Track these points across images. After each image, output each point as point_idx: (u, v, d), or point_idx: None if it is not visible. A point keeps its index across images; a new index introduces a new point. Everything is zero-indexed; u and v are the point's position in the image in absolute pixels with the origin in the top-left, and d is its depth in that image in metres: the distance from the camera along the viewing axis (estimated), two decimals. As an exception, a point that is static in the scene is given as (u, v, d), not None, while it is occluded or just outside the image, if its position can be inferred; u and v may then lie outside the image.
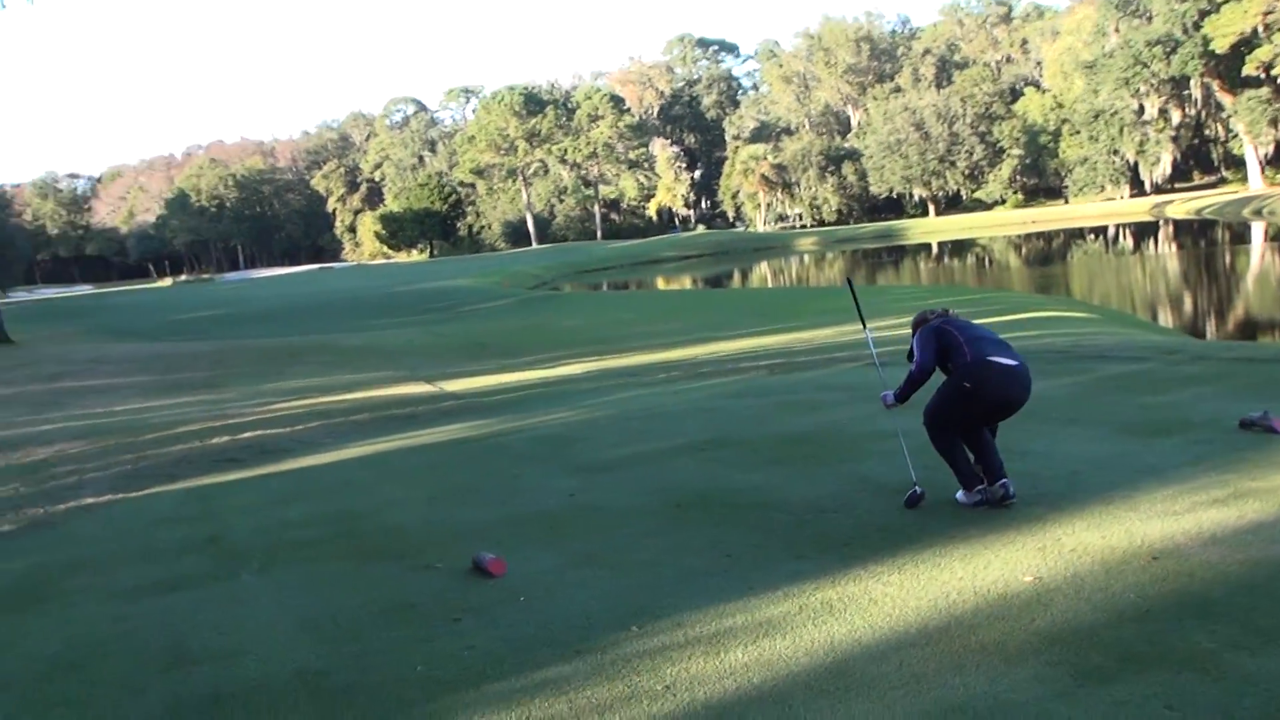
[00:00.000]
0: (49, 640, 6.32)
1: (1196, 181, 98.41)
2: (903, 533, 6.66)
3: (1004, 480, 6.89)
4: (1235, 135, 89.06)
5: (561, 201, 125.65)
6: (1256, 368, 11.00)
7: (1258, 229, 57.68)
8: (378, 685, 5.16)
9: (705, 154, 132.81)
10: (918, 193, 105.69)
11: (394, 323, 37.05)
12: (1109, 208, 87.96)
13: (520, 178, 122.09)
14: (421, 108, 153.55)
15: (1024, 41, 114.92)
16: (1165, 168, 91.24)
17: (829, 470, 8.39)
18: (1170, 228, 66.35)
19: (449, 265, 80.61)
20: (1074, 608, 5.26)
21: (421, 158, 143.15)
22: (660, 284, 61.32)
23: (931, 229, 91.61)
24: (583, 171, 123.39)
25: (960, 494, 7.06)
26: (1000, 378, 6.84)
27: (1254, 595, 5.17)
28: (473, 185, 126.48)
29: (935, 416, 7.04)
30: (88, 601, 7.00)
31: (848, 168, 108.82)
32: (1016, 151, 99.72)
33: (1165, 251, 52.04)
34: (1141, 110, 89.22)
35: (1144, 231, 65.82)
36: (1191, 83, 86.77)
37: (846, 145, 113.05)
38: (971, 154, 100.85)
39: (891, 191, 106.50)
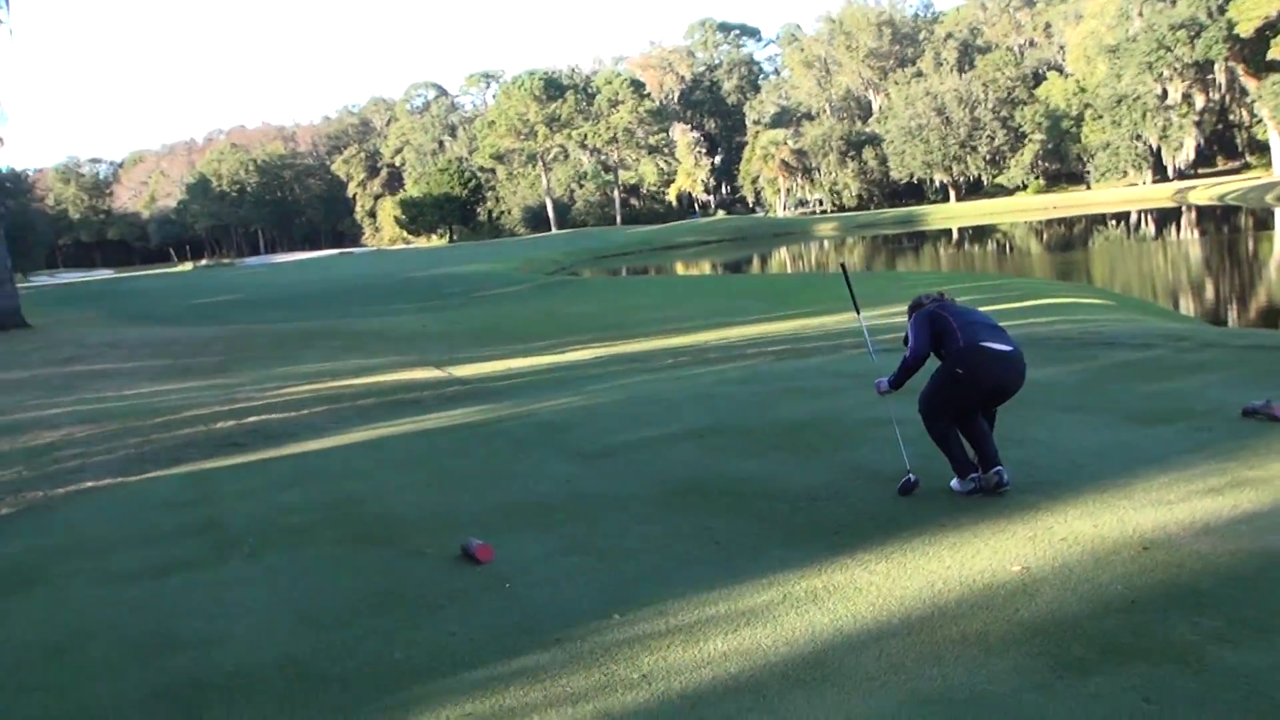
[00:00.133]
0: (35, 624, 6.33)
1: (1220, 167, 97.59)
2: (894, 521, 6.61)
3: (998, 468, 6.81)
4: (1259, 120, 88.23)
5: (581, 187, 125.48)
6: (1265, 355, 10.87)
7: (1281, 215, 57.16)
8: (355, 673, 5.14)
9: (726, 139, 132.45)
10: (939, 178, 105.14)
11: (410, 308, 37.06)
12: (1131, 193, 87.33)
13: (540, 163, 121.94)
14: (442, 93, 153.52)
15: (1047, 25, 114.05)
16: (1188, 153, 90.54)
17: (825, 458, 8.33)
18: (1193, 214, 65.80)
19: (468, 250, 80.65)
20: (1060, 598, 5.20)
21: (442, 143, 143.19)
22: (679, 269, 61.19)
23: (952, 214, 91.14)
24: (603, 157, 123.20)
25: (955, 482, 7.00)
26: (993, 363, 6.76)
27: (1242, 587, 5.10)
28: (493, 170, 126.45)
29: (929, 403, 6.97)
30: (78, 586, 7.00)
31: (868, 153, 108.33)
32: (1038, 136, 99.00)
33: (1187, 238, 51.62)
34: (1165, 95, 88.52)
35: (1166, 217, 65.31)
36: (1215, 67, 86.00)
37: (867, 130, 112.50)
38: (993, 139, 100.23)
39: (912, 177, 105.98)
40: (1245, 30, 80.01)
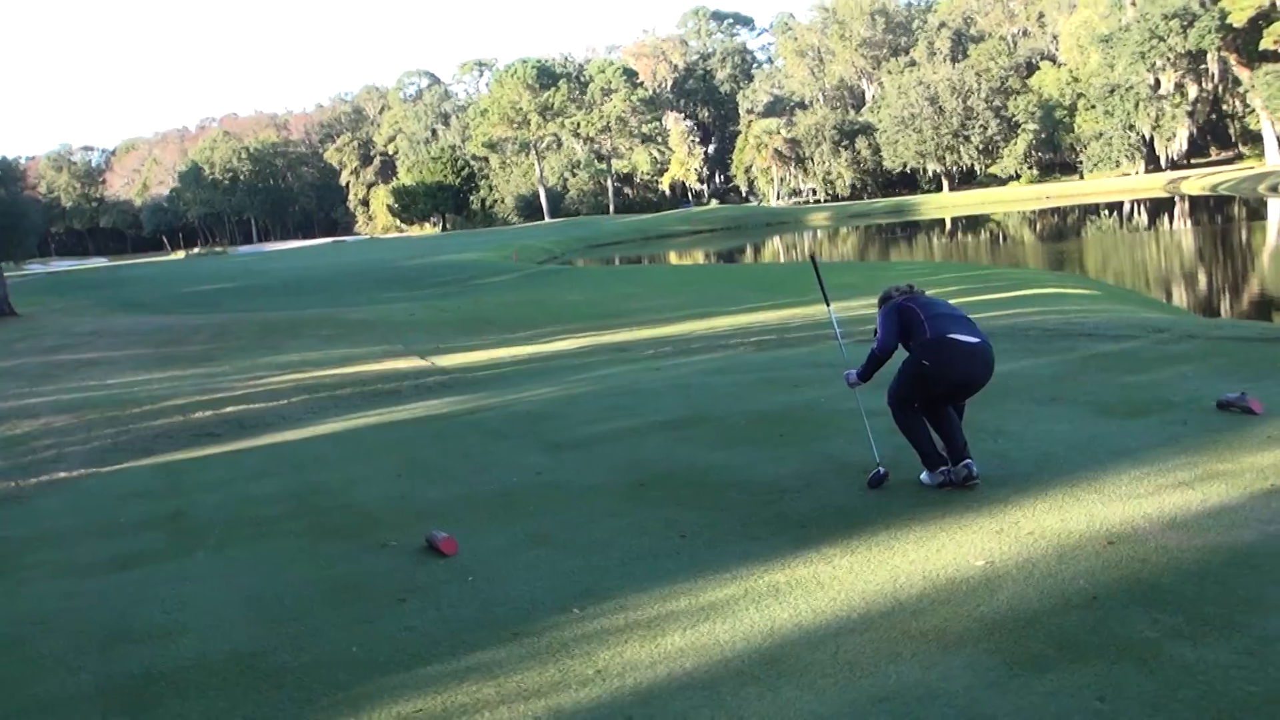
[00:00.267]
0: (-7, 616, 6.27)
1: (1213, 157, 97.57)
2: (861, 514, 6.56)
3: (967, 461, 6.76)
4: (1252, 110, 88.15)
5: (574, 175, 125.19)
6: (1244, 346, 10.83)
7: (1274, 205, 57.13)
8: (310, 667, 5.09)
9: (719, 128, 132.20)
10: (931, 168, 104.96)
11: (400, 296, 36.95)
12: (1124, 183, 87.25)
13: (533, 151, 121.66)
14: (435, 80, 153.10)
15: (1040, 15, 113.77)
16: (1181, 143, 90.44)
17: (797, 449, 8.28)
18: (1185, 204, 65.77)
19: (460, 239, 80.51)
20: (1021, 593, 5.15)
21: (435, 131, 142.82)
22: (672, 259, 61.08)
23: (945, 204, 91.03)
24: (596, 145, 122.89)
25: (924, 474, 6.95)
26: (960, 356, 6.70)
27: (1204, 583, 5.05)
28: (485, 159, 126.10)
29: (897, 395, 6.92)
30: (40, 577, 6.95)
31: (861, 142, 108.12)
32: (1031, 126, 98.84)
33: (1179, 228, 51.59)
34: (1158, 85, 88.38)
35: (1159, 207, 65.27)
36: (1209, 57, 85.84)
37: (860, 120, 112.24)
38: (986, 129, 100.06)
39: (905, 166, 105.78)
40: (1238, 20, 79.92)
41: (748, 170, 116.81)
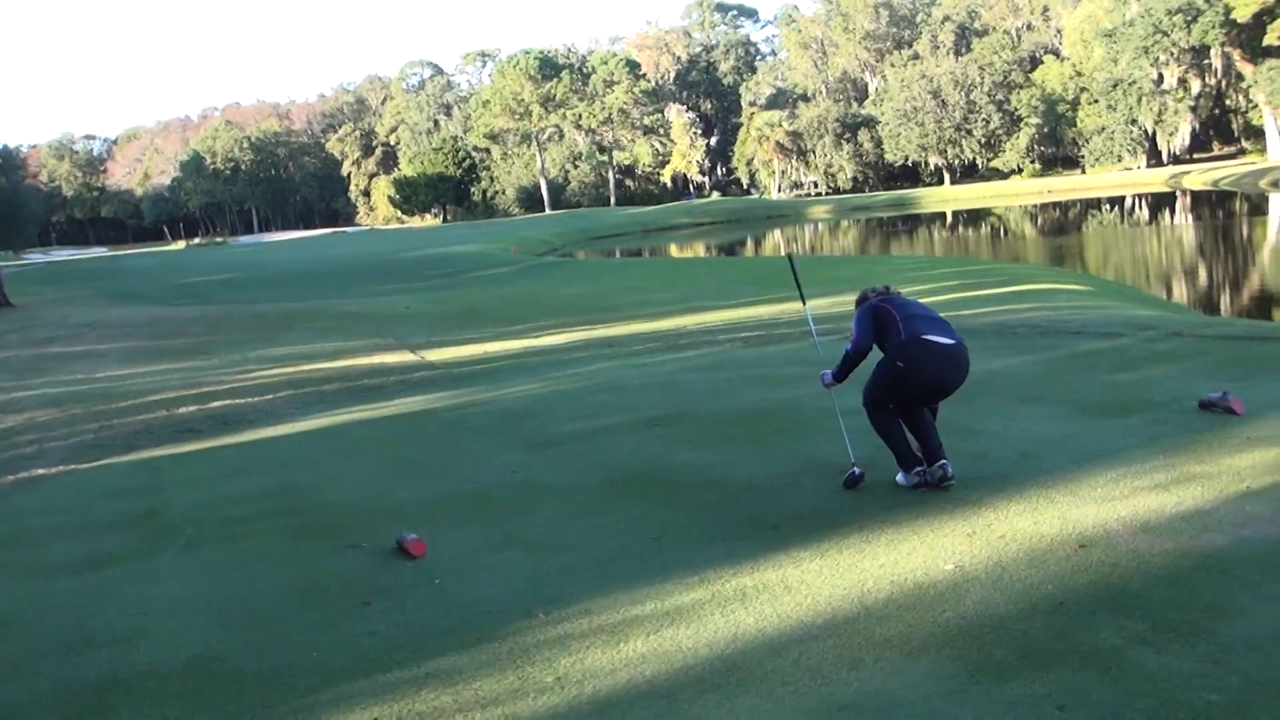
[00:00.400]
0: (-44, 619, 6.21)
1: (1216, 152, 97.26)
2: (834, 515, 6.50)
3: (943, 461, 6.70)
4: (1255, 105, 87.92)
5: (576, 167, 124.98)
6: (1230, 345, 10.76)
7: (1276, 200, 56.99)
8: (269, 673, 5.03)
9: (721, 120, 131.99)
10: (933, 161, 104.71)
11: (397, 288, 36.89)
12: (1126, 178, 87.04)
13: (535, 143, 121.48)
14: (438, 71, 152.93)
15: (1045, 9, 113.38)
16: (1183, 138, 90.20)
17: (775, 449, 8.22)
18: (1187, 199, 65.61)
19: (461, 230, 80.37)
20: (989, 598, 5.09)
21: (437, 122, 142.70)
22: (673, 251, 60.98)
23: (947, 198, 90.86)
24: (598, 137, 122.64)
25: (900, 475, 6.90)
26: (934, 357, 6.65)
27: (1173, 588, 4.99)
28: (487, 150, 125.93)
29: (872, 396, 6.86)
30: (7, 578, 6.89)
31: (864, 135, 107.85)
32: (1034, 120, 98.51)
33: (1181, 223, 51.48)
34: (1160, 79, 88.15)
35: (1160, 202, 65.12)
36: (1212, 52, 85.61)
37: (863, 112, 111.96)
38: (988, 122, 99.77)
39: (907, 160, 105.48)
40: (1242, 15, 79.65)
41: (749, 163, 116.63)
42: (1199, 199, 64.66)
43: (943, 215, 73.09)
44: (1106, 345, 11.35)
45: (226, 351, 20.09)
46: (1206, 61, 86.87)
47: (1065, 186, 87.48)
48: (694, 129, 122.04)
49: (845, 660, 4.61)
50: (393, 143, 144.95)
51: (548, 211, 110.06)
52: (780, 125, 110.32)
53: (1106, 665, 4.33)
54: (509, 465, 8.52)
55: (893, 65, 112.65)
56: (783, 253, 55.80)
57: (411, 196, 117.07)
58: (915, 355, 6.62)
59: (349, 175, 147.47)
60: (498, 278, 39.91)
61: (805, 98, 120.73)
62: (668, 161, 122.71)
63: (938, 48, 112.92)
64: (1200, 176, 77.24)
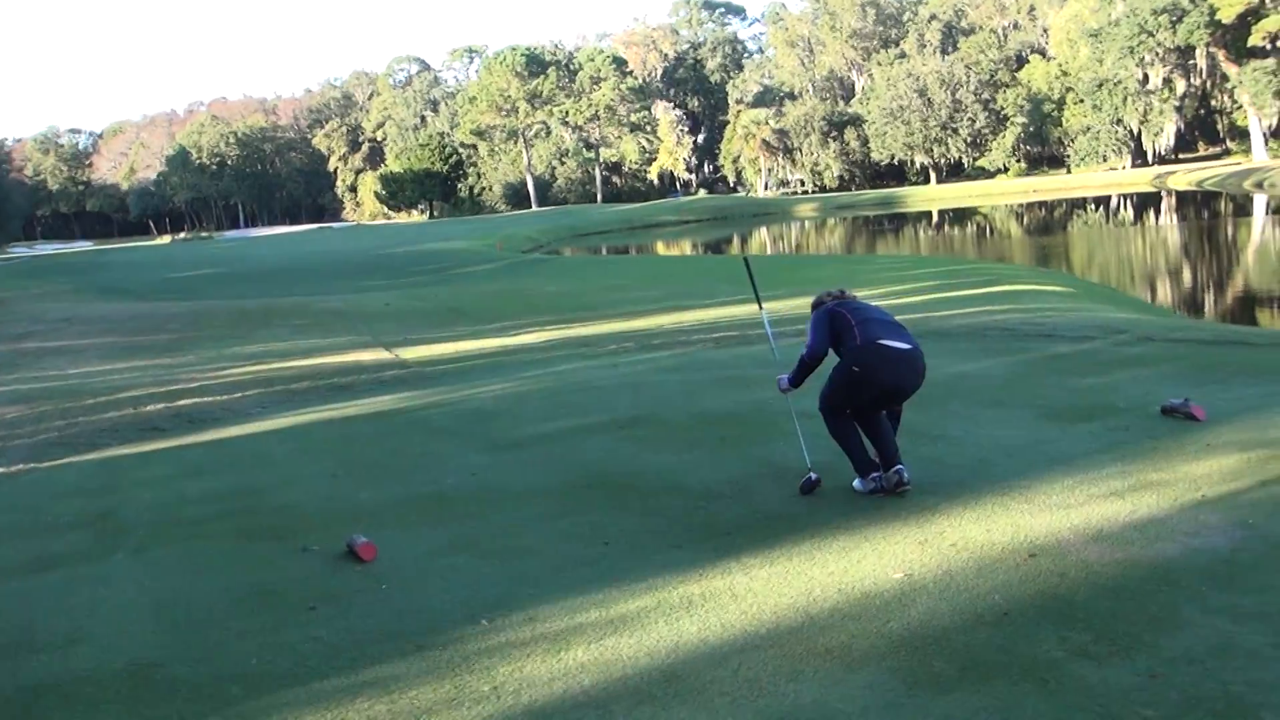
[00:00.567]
0: (-103, 624, 6.13)
1: (1201, 152, 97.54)
2: (788, 521, 6.46)
3: (899, 467, 6.67)
4: (1240, 106, 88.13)
5: (563, 164, 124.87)
6: (1199, 350, 10.75)
7: (1259, 201, 57.13)
8: (206, 680, 4.96)
9: (709, 118, 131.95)
10: (919, 160, 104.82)
11: (380, 284, 36.79)
12: (1111, 178, 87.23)
13: (521, 139, 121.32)
14: (425, 67, 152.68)
15: (1031, 8, 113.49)
16: (1168, 138, 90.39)
17: (737, 453, 8.18)
18: (1172, 199, 65.74)
19: (447, 226, 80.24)
20: (934, 608, 5.05)
21: (424, 118, 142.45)
22: (660, 249, 60.92)
23: (933, 197, 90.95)
24: (584, 134, 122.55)
25: (857, 481, 6.86)
26: (890, 361, 6.61)
27: (1119, 599, 4.96)
28: (474, 146, 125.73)
29: (827, 401, 6.83)
30: (-45, 581, 6.81)
31: (850, 134, 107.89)
32: (1020, 120, 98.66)
33: (1165, 223, 51.57)
34: (1146, 79, 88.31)
35: (1145, 202, 65.25)
36: (1197, 52, 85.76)
37: (850, 111, 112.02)
38: (974, 122, 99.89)
39: (893, 158, 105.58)
40: (1227, 16, 79.83)
41: (736, 160, 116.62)
42: (1184, 199, 64.80)
43: (928, 214, 73.17)
44: (1077, 349, 11.33)
45: (203, 348, 19.99)
46: (1191, 62, 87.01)
47: (1051, 186, 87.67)
48: (681, 126, 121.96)
49: (785, 671, 4.56)
50: (379, 138, 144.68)
51: (534, 208, 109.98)
52: (767, 123, 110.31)
53: (1046, 678, 4.30)
54: (471, 467, 8.46)
55: (879, 64, 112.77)
56: (771, 251, 55.79)
57: (398, 192, 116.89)
58: (871, 360, 6.59)
59: (335, 171, 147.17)
60: (480, 275, 39.85)
61: (792, 96, 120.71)
62: (654, 159, 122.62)
63: (924, 46, 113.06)
64: (1185, 177, 77.42)
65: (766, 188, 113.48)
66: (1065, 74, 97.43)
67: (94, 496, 8.66)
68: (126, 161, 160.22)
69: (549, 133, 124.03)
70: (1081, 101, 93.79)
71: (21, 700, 4.92)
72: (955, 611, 4.99)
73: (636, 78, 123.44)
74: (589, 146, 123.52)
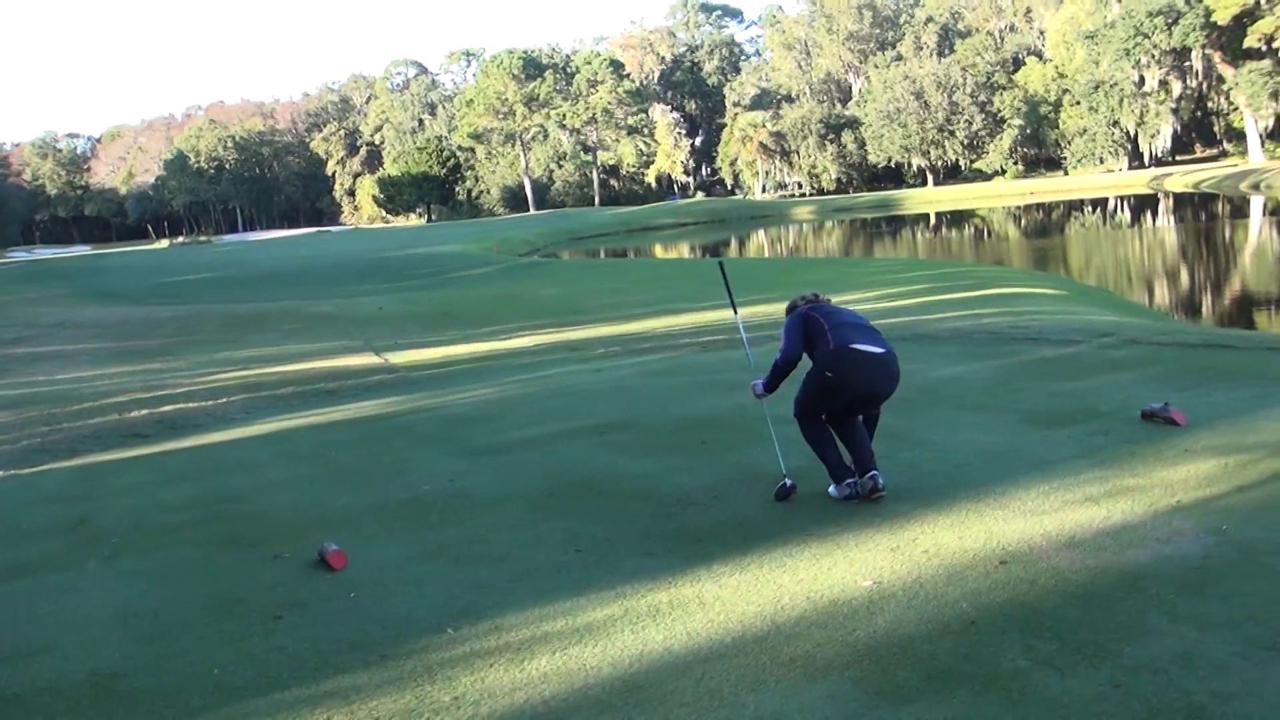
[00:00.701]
0: None
1: (1198, 154, 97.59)
2: (761, 528, 6.41)
3: (874, 472, 6.62)
4: (1236, 108, 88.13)
5: (560, 167, 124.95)
6: (1184, 353, 10.70)
7: (1256, 203, 57.13)
8: (168, 690, 4.92)
9: (706, 121, 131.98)
10: (916, 162, 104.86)
11: (374, 289, 36.83)
12: (1108, 180, 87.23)
13: (519, 142, 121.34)
14: (422, 70, 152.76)
15: (1027, 10, 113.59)
16: (1165, 140, 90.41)
17: (715, 458, 8.14)
18: (1169, 201, 65.74)
19: (444, 230, 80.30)
20: (901, 617, 5.00)
21: (421, 121, 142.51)
22: (658, 252, 60.88)
23: (930, 199, 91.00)
24: (582, 137, 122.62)
25: (832, 487, 6.82)
26: (863, 366, 6.57)
27: (1087, 606, 4.91)
28: (471, 150, 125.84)
29: (802, 406, 6.79)
30: (-75, 589, 6.76)
31: (847, 136, 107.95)
32: (1017, 122, 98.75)
33: (1162, 225, 51.53)
34: (1142, 81, 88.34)
35: (1142, 204, 65.25)
36: (1193, 54, 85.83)
37: (847, 113, 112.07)
38: (971, 124, 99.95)
39: (890, 161, 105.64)
40: (1222, 18, 79.89)
41: (733, 163, 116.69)
42: (1180, 201, 64.81)
43: (926, 217, 73.17)
44: (1061, 352, 11.28)
45: (192, 353, 20.00)
46: (1188, 64, 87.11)
47: (1048, 188, 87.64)
48: (678, 129, 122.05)
49: (747, 681, 4.52)
50: (377, 142, 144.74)
51: (532, 211, 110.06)
52: (764, 126, 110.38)
53: (1009, 688, 4.25)
54: (449, 473, 8.42)
55: (876, 66, 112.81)
56: (769, 253, 55.76)
57: (396, 196, 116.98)
58: (844, 364, 6.55)
59: (333, 174, 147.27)
60: (476, 278, 39.86)
61: (789, 98, 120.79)
62: (652, 161, 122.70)
63: (921, 49, 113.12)
64: (1182, 179, 77.42)
65: (764, 190, 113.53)
66: (1062, 76, 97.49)
67: (71, 504, 8.62)
68: (125, 166, 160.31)
69: (546, 136, 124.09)
70: (1078, 104, 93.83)
71: (-20, 711, 4.88)
72: (922, 620, 4.95)
73: (634, 80, 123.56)
74: (586, 149, 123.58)
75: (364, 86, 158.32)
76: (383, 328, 23.13)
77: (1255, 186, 65.12)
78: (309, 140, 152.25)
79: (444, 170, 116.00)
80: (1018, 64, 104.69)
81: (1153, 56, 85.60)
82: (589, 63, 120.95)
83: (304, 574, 6.35)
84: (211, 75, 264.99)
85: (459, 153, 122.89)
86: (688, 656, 4.81)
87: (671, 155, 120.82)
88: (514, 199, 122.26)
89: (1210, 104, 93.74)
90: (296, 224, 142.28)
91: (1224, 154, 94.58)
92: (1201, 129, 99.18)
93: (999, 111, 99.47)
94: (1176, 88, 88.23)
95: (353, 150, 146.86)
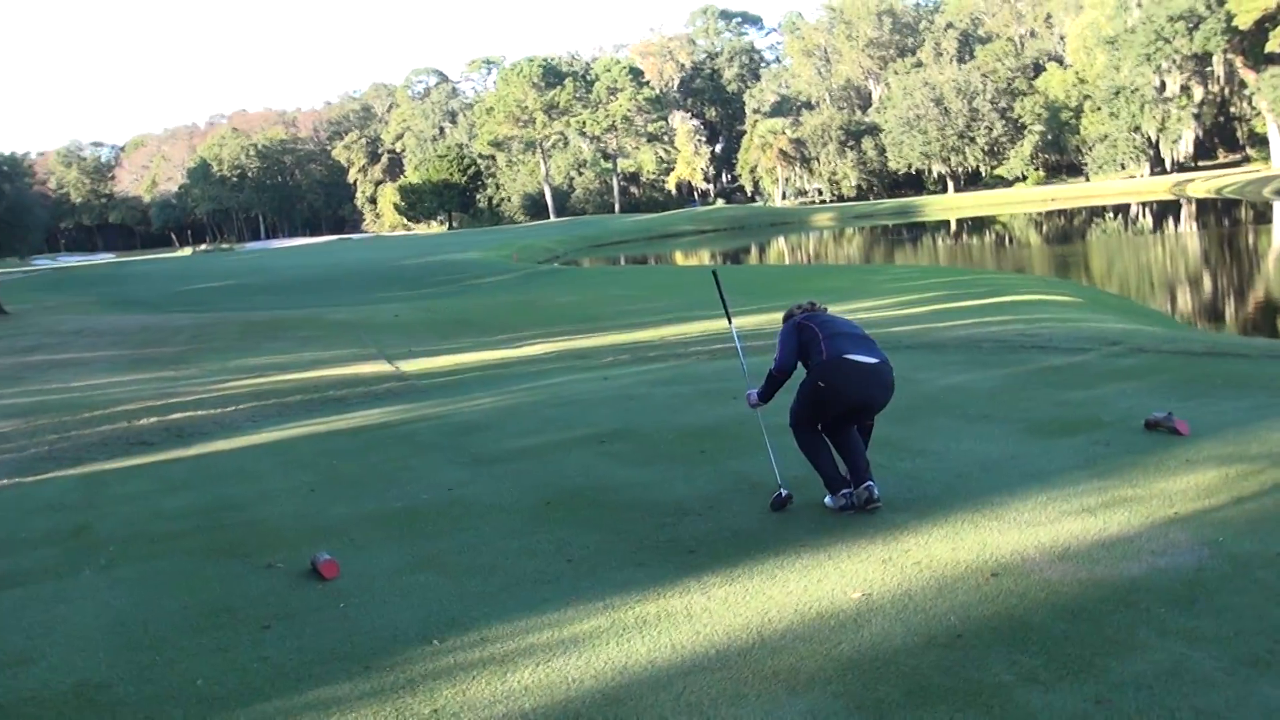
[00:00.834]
0: None
1: (1221, 160, 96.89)
2: (755, 539, 6.37)
3: (869, 483, 6.57)
4: (1259, 113, 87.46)
5: (580, 174, 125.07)
6: (1190, 362, 10.59)
7: (1279, 209, 56.68)
8: (150, 700, 4.92)
9: (726, 128, 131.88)
10: (937, 169, 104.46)
11: (392, 296, 36.90)
12: (1129, 186, 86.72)
13: (539, 150, 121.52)
14: (443, 78, 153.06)
15: (1048, 16, 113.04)
16: (1186, 146, 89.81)
17: (713, 468, 8.09)
18: (1191, 207, 65.31)
19: (465, 238, 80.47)
20: (888, 630, 4.95)
21: (442, 129, 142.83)
22: (678, 259, 60.82)
23: (950, 206, 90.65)
24: (602, 144, 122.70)
25: (827, 498, 6.77)
26: (857, 376, 6.52)
27: (1076, 620, 4.85)
28: (492, 157, 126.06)
29: (796, 416, 6.75)
30: (-79, 598, 6.78)
31: (867, 143, 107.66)
32: (1038, 128, 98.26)
33: (1184, 231, 51.21)
34: (1163, 87, 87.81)
35: (1164, 210, 64.83)
36: (1214, 59, 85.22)
37: (867, 120, 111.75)
38: (991, 130, 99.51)
39: (910, 168, 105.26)
40: (1244, 23, 79.27)
41: (753, 170, 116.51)
42: (1203, 207, 64.36)
43: (947, 223, 72.89)
44: (1069, 361, 11.19)
45: (208, 360, 20.06)
46: (1209, 69, 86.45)
47: (1069, 194, 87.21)
48: (698, 136, 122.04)
49: (728, 695, 4.48)
50: (398, 150, 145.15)
51: (552, 219, 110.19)
52: (784, 133, 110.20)
53: (991, 704, 4.20)
54: (448, 482, 8.40)
55: (896, 73, 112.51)
56: (790, 260, 55.65)
57: (417, 203, 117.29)
58: (837, 375, 6.50)
59: (355, 182, 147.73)
60: (494, 286, 39.91)
61: (809, 105, 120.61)
62: (672, 168, 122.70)
63: (941, 55, 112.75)
64: (1204, 184, 76.89)
65: (784, 197, 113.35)
66: (1082, 82, 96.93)
67: (71, 512, 8.64)
68: (148, 174, 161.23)
69: (566, 143, 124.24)
70: (1099, 109, 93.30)
71: (-37, 722, 4.88)
72: (909, 633, 4.90)
73: (653, 88, 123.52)
74: (606, 157, 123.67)
75: (385, 95, 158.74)
76: (397, 335, 23.15)
77: (1278, 192, 64.61)
78: (331, 148, 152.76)
79: (465, 178, 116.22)
80: (1038, 70, 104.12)
81: (1174, 61, 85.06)
82: (609, 70, 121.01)
83: (296, 584, 6.34)
84: (234, 84, 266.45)
85: (480, 160, 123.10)
86: (670, 669, 4.77)
87: (691, 162, 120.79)
88: (535, 206, 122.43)
89: (1232, 109, 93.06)
90: (319, 231, 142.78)
91: (1246, 159, 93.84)
92: (1224, 134, 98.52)
93: (1019, 118, 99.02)
94: (1198, 93, 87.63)
95: (374, 158, 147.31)
